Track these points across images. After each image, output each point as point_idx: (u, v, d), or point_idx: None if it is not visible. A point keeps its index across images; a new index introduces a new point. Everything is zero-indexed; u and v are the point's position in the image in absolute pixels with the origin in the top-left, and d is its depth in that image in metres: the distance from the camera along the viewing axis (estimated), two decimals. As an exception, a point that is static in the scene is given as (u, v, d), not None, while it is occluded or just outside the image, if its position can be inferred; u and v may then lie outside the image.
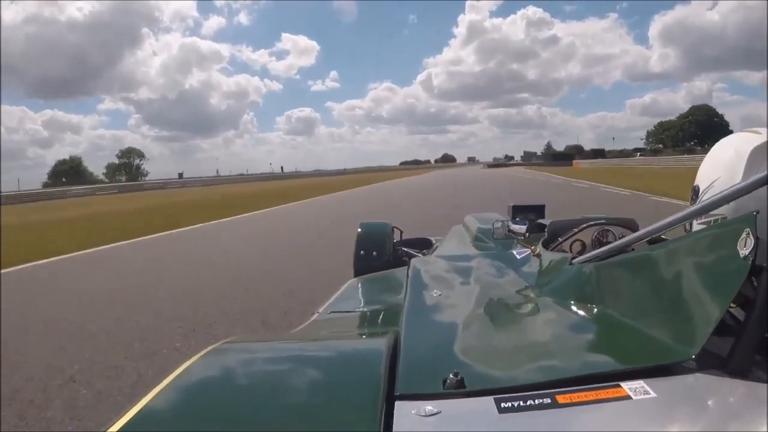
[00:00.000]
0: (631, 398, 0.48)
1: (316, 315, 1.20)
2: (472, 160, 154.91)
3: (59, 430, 1.85)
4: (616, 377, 0.52)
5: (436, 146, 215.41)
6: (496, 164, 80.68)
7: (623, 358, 0.61)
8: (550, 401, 0.49)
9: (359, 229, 2.23)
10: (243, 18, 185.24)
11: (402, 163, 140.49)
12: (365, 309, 1.25)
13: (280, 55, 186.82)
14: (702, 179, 0.85)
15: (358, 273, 1.97)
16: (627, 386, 0.50)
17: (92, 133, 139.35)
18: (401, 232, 2.43)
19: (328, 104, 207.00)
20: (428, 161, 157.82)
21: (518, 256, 1.32)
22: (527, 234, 1.57)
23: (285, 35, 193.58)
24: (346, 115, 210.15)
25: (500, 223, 1.64)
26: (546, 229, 1.35)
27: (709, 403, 0.50)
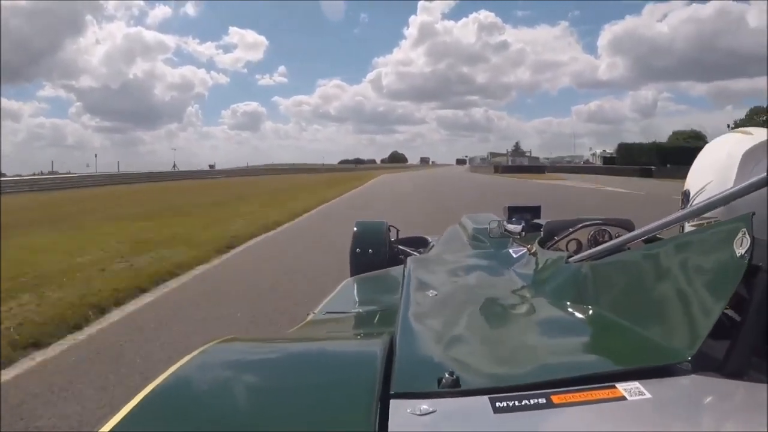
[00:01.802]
0: (627, 399, 0.52)
1: (311, 315, 1.29)
2: (425, 162, 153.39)
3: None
4: (611, 378, 0.56)
5: (383, 146, 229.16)
6: (512, 167, 54.54)
7: (619, 358, 0.65)
8: (545, 401, 0.52)
9: (355, 228, 2.40)
10: (190, 9, 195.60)
11: (342, 162, 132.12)
12: (361, 309, 1.36)
13: (228, 49, 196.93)
14: (692, 182, 0.89)
15: (354, 271, 2.15)
16: (622, 387, 0.54)
17: (32, 122, 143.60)
18: (397, 230, 2.66)
19: (275, 99, 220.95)
20: (373, 161, 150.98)
21: (514, 255, 1.44)
22: (523, 233, 1.74)
23: (233, 29, 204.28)
24: (293, 111, 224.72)
25: (496, 223, 1.85)
26: (542, 229, 1.47)
27: (705, 404, 0.54)
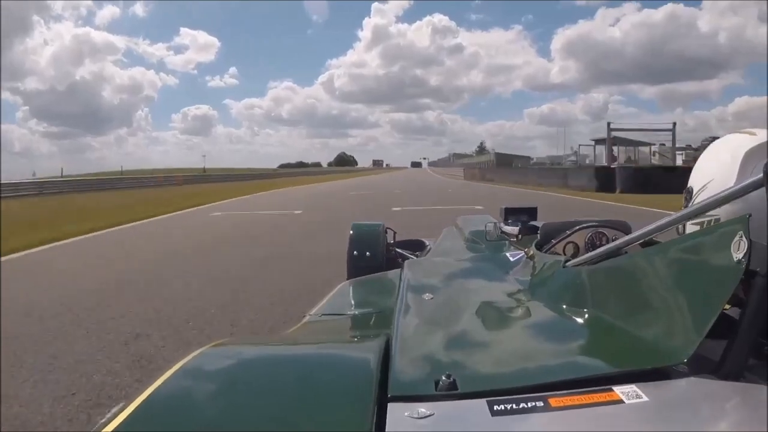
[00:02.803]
0: (624, 402, 0.54)
1: (307, 317, 1.30)
2: (378, 165, 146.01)
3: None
4: (608, 381, 0.58)
5: (337, 150, 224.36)
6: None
7: (616, 361, 0.67)
8: (542, 404, 0.54)
9: (351, 231, 2.42)
10: (139, 9, 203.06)
11: (283, 166, 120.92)
12: (357, 311, 1.37)
13: (179, 50, 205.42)
14: (695, 181, 0.91)
15: (351, 274, 2.17)
16: (619, 390, 0.56)
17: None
18: (394, 233, 2.65)
19: (227, 101, 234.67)
20: (318, 164, 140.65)
21: (511, 258, 1.48)
22: (520, 236, 1.76)
23: (184, 29, 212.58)
24: (245, 114, 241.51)
25: (492, 225, 1.88)
26: (539, 231, 1.49)
27: (702, 406, 0.56)
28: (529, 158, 37.06)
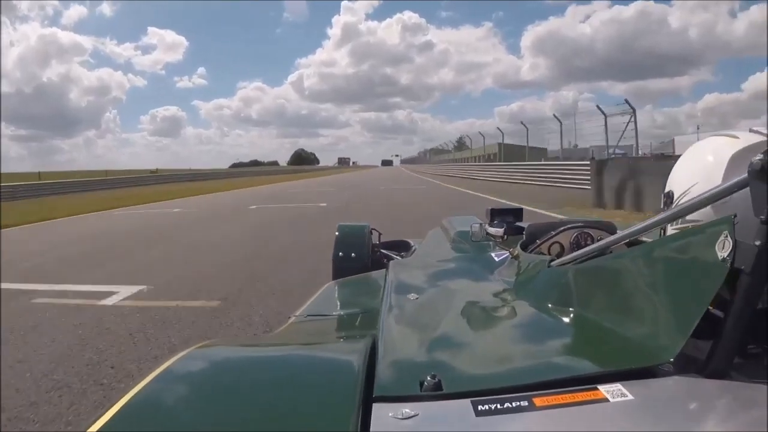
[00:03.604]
0: (609, 401, 0.55)
1: (293, 318, 1.34)
2: (344, 163, 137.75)
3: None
4: (593, 380, 0.60)
5: (308, 150, 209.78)
6: None
7: (601, 360, 0.69)
8: (527, 404, 0.56)
9: (337, 232, 2.51)
10: (106, 9, 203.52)
11: (234, 165, 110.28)
12: (343, 312, 1.43)
13: (146, 50, 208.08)
14: (675, 184, 0.93)
15: (336, 274, 2.23)
16: (604, 389, 0.57)
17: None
18: (380, 234, 2.71)
19: (195, 103, 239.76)
20: (275, 162, 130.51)
21: (496, 259, 1.56)
22: (505, 236, 1.80)
23: (151, 29, 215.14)
24: (214, 115, 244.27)
25: (478, 226, 1.87)
26: (524, 232, 1.56)
27: (687, 405, 0.58)
28: (545, 150, 28.55)
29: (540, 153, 29.21)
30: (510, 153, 28.49)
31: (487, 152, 33.42)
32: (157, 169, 55.40)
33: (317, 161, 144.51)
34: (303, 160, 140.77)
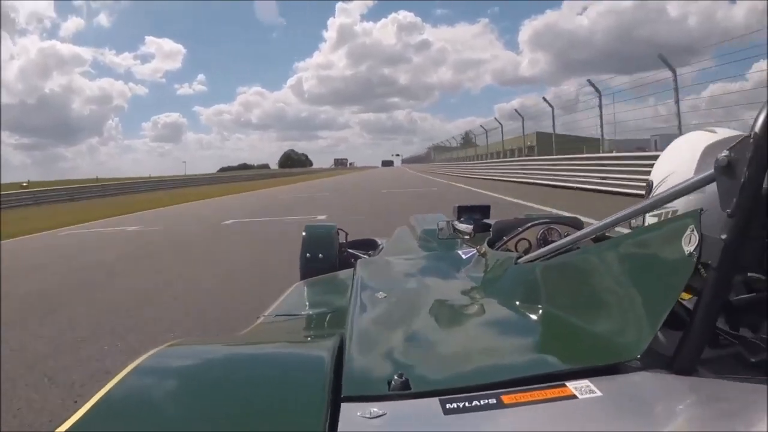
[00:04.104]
0: (577, 397, 0.56)
1: (261, 318, 1.34)
2: (341, 164, 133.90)
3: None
4: (561, 377, 0.61)
5: (307, 153, 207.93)
6: None
7: (569, 357, 0.70)
8: (495, 401, 0.57)
9: (304, 233, 2.52)
10: (103, 20, 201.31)
11: (222, 169, 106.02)
12: (311, 312, 1.43)
13: (145, 59, 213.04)
14: (656, 175, 0.99)
15: (304, 276, 2.23)
16: (572, 386, 0.58)
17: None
18: (346, 234, 2.72)
19: (196, 109, 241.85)
20: (266, 165, 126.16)
21: (464, 256, 1.53)
22: (473, 234, 1.89)
23: (149, 38, 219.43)
24: (214, 120, 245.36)
25: (445, 223, 1.97)
26: (491, 229, 1.58)
27: (655, 401, 0.59)
28: (596, 141, 23.48)
29: (592, 146, 23.83)
30: (545, 144, 23.62)
31: (510, 147, 27.88)
32: (150, 176, 53.95)
33: (309, 163, 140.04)
34: (294, 162, 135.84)
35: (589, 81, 14.61)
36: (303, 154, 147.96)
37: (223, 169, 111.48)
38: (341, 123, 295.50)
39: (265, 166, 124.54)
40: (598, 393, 0.57)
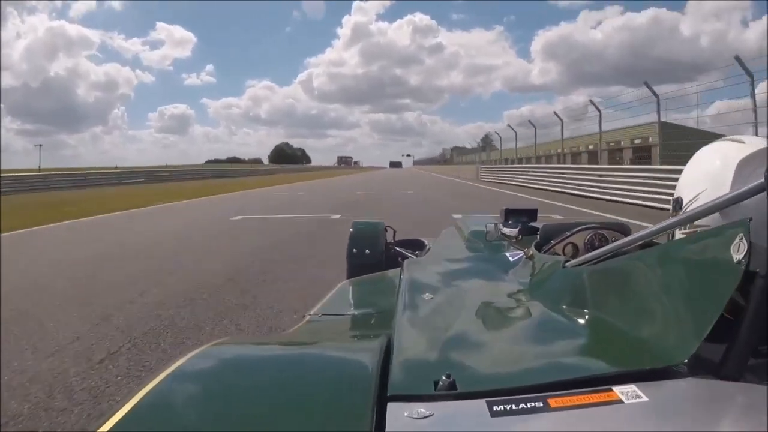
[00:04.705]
0: (623, 402, 0.57)
1: (308, 317, 1.41)
2: (346, 163, 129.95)
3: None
4: (608, 381, 0.62)
5: (315, 151, 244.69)
6: None
7: (615, 361, 0.71)
8: (542, 404, 0.58)
9: (351, 229, 2.68)
10: (115, 3, 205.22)
11: (209, 162, 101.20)
12: (357, 311, 1.49)
13: (155, 45, 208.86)
14: (684, 190, 0.98)
15: (350, 270, 2.43)
16: (619, 390, 0.59)
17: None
18: (394, 231, 2.85)
19: (204, 101, 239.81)
20: (258, 160, 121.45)
21: (511, 259, 1.61)
22: (519, 237, 1.87)
23: (160, 24, 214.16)
24: (222, 114, 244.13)
25: (493, 225, 1.91)
26: (539, 232, 1.62)
27: (702, 406, 0.60)
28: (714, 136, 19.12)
29: (704, 138, 19.48)
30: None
31: (610, 141, 21.85)
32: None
33: (307, 159, 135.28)
34: (287, 157, 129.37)
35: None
36: (299, 149, 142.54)
37: (209, 162, 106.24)
38: (351, 122, 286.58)
39: (258, 161, 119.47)
40: (645, 398, 0.57)
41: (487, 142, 48.50)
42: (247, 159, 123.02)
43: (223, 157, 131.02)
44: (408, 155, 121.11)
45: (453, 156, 59.31)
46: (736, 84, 11.48)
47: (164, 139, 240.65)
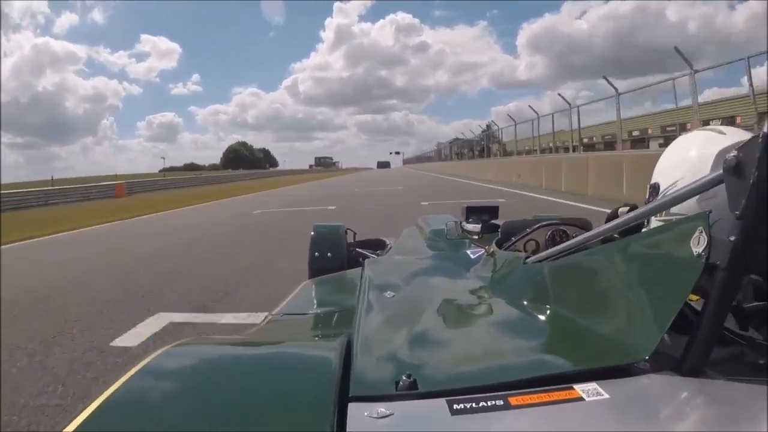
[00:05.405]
0: (584, 400, 0.59)
1: (269, 317, 1.44)
2: (325, 164, 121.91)
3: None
4: (569, 379, 0.63)
5: (303, 154, 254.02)
6: None
7: (576, 359, 0.72)
8: (502, 403, 0.59)
9: (312, 232, 2.72)
10: (98, 16, 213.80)
11: (165, 170, 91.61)
12: (319, 311, 1.50)
13: (140, 57, 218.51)
14: (661, 177, 0.99)
15: (313, 275, 2.41)
16: (580, 388, 0.61)
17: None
18: (354, 233, 2.94)
19: (191, 109, 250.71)
20: (218, 166, 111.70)
21: (472, 256, 1.63)
22: (481, 234, 1.97)
23: (144, 36, 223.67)
24: (210, 120, 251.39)
25: (453, 224, 2.07)
26: (500, 229, 1.65)
27: (663, 403, 0.61)
28: None
29: None
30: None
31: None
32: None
33: (273, 162, 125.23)
34: (243, 160, 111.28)
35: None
36: (262, 149, 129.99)
37: (165, 170, 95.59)
38: (338, 124, 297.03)
39: (216, 167, 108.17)
40: (606, 395, 0.59)
41: (488, 133, 41.69)
42: (207, 165, 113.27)
43: (180, 164, 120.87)
44: (397, 152, 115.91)
45: (452, 150, 52.90)
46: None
47: (153, 147, 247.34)
